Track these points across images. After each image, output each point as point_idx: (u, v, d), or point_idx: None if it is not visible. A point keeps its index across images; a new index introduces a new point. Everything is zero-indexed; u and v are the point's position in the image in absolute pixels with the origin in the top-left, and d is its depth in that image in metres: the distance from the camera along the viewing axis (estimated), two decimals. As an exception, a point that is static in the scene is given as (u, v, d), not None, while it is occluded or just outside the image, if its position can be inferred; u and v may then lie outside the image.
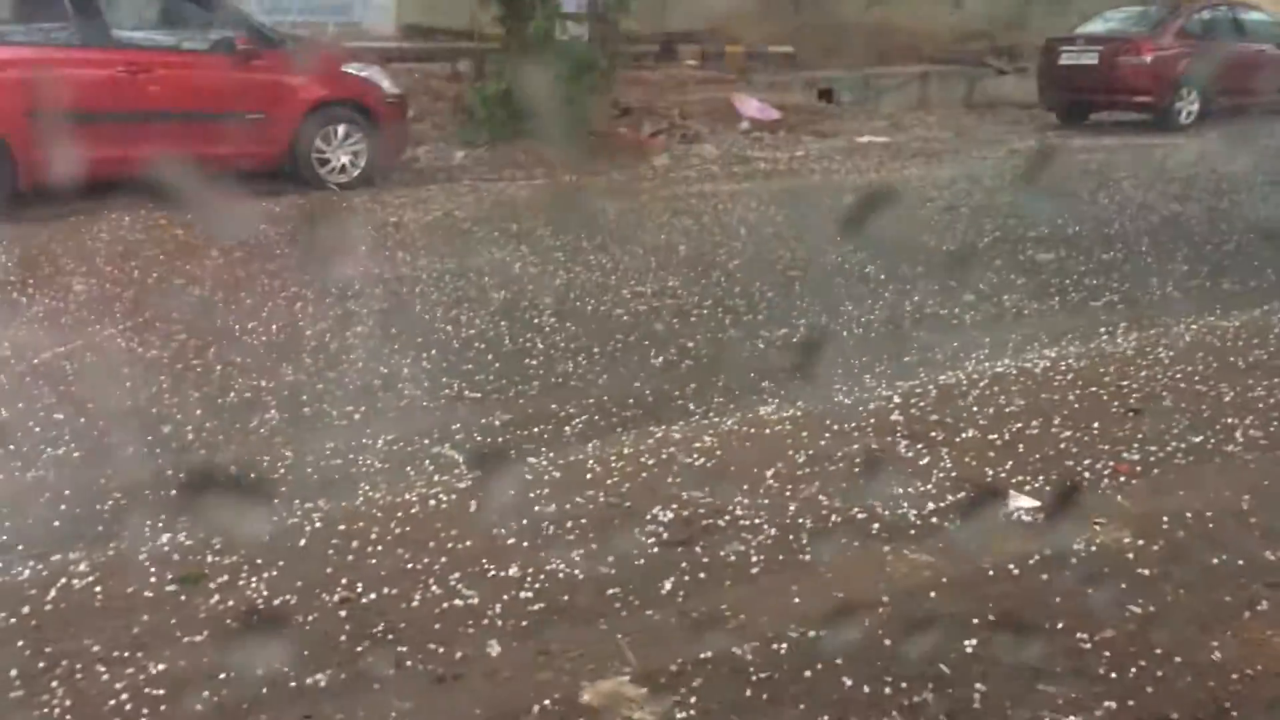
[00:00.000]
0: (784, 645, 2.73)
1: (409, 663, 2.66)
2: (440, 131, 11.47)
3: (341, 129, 9.15)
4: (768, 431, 4.08)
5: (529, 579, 3.01)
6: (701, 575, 3.08)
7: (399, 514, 3.38)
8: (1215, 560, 3.16)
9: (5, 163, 7.77)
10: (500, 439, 4.12)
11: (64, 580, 2.99)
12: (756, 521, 3.36)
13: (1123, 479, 3.72)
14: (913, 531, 3.33)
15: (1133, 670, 2.65)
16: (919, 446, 3.93)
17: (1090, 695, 2.56)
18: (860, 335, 5.42)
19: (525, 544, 3.21)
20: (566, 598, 2.94)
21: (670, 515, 3.40)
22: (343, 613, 2.85)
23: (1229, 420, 4.20)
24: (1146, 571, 3.10)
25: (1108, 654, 2.71)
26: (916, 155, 11.74)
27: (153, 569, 3.05)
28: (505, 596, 2.93)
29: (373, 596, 2.92)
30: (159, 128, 8.27)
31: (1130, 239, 7.60)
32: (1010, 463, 3.81)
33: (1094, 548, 3.24)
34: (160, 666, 2.61)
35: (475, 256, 7.01)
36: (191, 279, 6.34)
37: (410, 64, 12.73)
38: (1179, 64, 14.01)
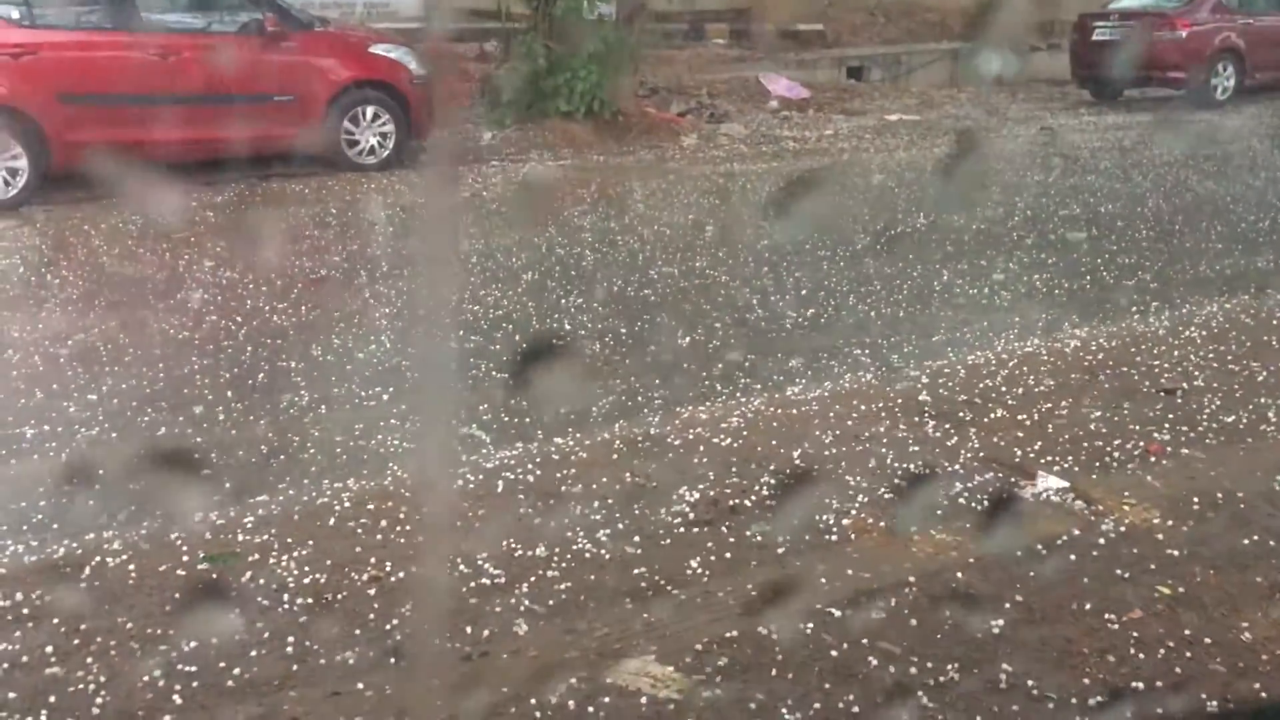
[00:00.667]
0: (810, 625, 2.74)
1: (437, 641, 2.68)
2: (468, 112, 11.48)
3: (370, 110, 9.17)
4: (795, 412, 4.08)
5: (556, 558, 3.03)
6: (727, 555, 3.09)
7: (428, 494, 3.41)
8: (1245, 541, 3.14)
9: (38, 146, 7.85)
10: (527, 419, 4.14)
11: (98, 559, 3.04)
12: (783, 502, 3.36)
13: (1153, 459, 3.69)
14: (940, 512, 3.32)
15: (1161, 651, 2.64)
16: (947, 427, 3.92)
17: (1118, 676, 2.55)
18: (889, 315, 5.40)
19: (552, 524, 3.23)
20: (593, 577, 2.96)
21: (696, 496, 3.40)
22: (371, 591, 2.88)
23: (1261, 400, 4.15)
24: (1176, 552, 3.08)
25: (1136, 635, 2.70)
26: (947, 133, 11.63)
27: (185, 548, 3.09)
28: (532, 576, 2.95)
29: (401, 575, 2.95)
30: (189, 110, 8.32)
31: (1163, 217, 7.51)
32: (1039, 443, 3.79)
33: (1123, 528, 3.22)
34: (192, 644, 2.64)
35: (503, 237, 7.03)
36: (221, 260, 6.38)
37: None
38: (1215, 39, 13.79)
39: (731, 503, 3.37)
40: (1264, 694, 2.51)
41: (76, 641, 2.67)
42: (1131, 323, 5.18)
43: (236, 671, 2.55)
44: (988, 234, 7.01)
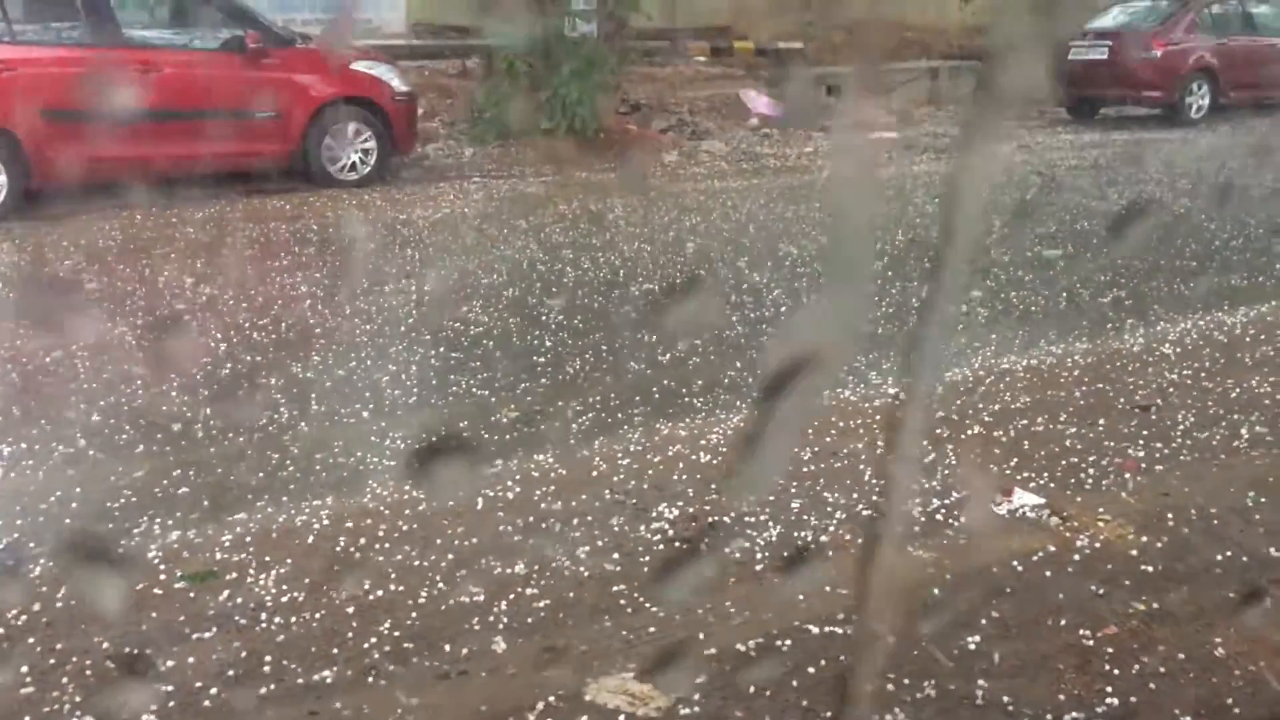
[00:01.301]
0: (788, 642, 2.75)
1: (415, 659, 2.68)
2: (450, 129, 11.51)
3: (352, 127, 9.19)
4: (774, 429, 4.08)
5: (535, 576, 3.04)
6: (707, 572, 3.09)
7: (406, 511, 3.41)
8: (1219, 557, 3.17)
9: (18, 161, 7.84)
10: (507, 436, 4.14)
11: (73, 578, 3.02)
12: (762, 519, 3.37)
13: (1128, 475, 3.72)
14: (918, 528, 3.34)
15: (1135, 667, 2.66)
16: (924, 443, 3.94)
17: (1092, 692, 2.57)
18: (867, 332, 5.43)
19: (531, 541, 3.24)
20: (572, 594, 2.97)
21: (676, 512, 3.42)
22: (350, 609, 2.88)
23: (1235, 417, 4.20)
24: (1150, 568, 3.11)
25: (1110, 650, 2.72)
26: (926, 150, 11.72)
27: (162, 566, 3.08)
28: (511, 594, 2.95)
29: (380, 594, 2.95)
30: (170, 127, 8.31)
31: (1138, 235, 7.58)
32: (1015, 459, 3.82)
33: (1098, 544, 3.24)
34: (169, 664, 2.64)
35: (484, 253, 7.04)
36: (201, 277, 6.37)
37: (420, 61, 12.77)
38: (1189, 58, 13.96)
39: (711, 519, 3.39)
40: (1236, 710, 2.53)
41: (52, 661, 2.65)
42: (1107, 340, 5.23)
43: (214, 691, 2.55)
44: (965, 250, 7.04)
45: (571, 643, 2.75)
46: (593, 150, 10.90)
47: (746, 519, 3.38)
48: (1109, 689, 2.58)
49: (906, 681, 2.59)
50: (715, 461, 3.80)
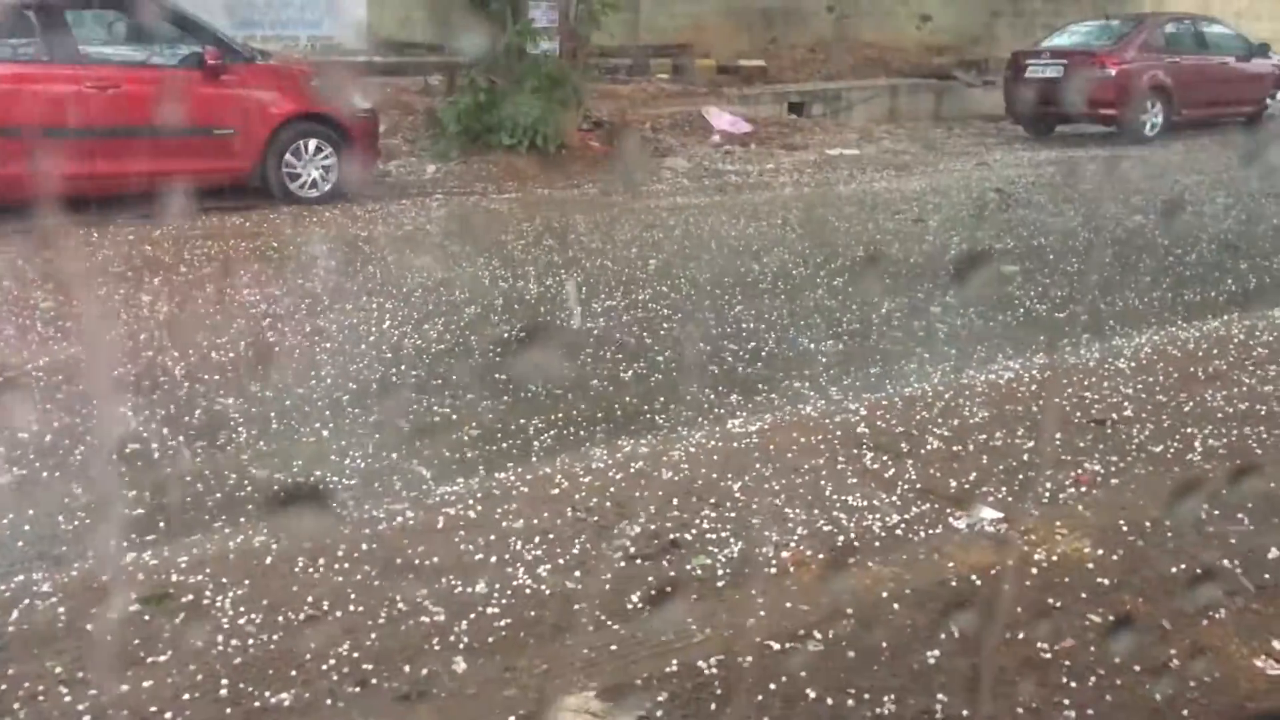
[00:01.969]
0: (749, 658, 2.75)
1: (374, 680, 2.66)
2: (412, 146, 11.48)
3: (312, 143, 9.14)
4: (735, 445, 4.11)
5: (496, 595, 3.02)
6: (668, 589, 3.09)
7: (366, 531, 3.38)
8: (1174, 569, 3.21)
9: (-29, 179, 7.71)
10: (469, 454, 4.13)
11: (27, 601, 2.97)
12: (723, 535, 3.38)
13: (1084, 489, 3.76)
14: (877, 544, 3.36)
15: (1092, 679, 2.68)
16: (885, 458, 3.97)
17: (1051, 705, 2.60)
18: (827, 348, 5.47)
19: (493, 560, 3.22)
20: (533, 613, 2.95)
21: (637, 530, 3.41)
22: (308, 631, 2.85)
23: (1188, 430, 4.26)
24: (1106, 580, 3.15)
25: (1068, 663, 2.75)
26: (886, 168, 11.84)
27: (117, 589, 3.04)
28: (472, 613, 2.94)
29: (339, 614, 2.92)
30: (128, 144, 8.23)
31: (1094, 250, 7.69)
32: (974, 474, 3.85)
33: (1055, 557, 3.28)
34: (124, 688, 2.60)
35: (446, 270, 7.02)
36: (160, 295, 6.31)
37: (382, 78, 12.73)
38: (1143, 77, 14.20)
39: (672, 536, 3.39)
40: None
41: (4, 687, 2.61)
42: (1063, 355, 5.30)
43: (169, 716, 2.51)
44: (924, 267, 7.13)
45: (533, 662, 2.74)
46: (555, 167, 10.91)
47: (708, 536, 3.38)
48: (1067, 701, 2.61)
49: (868, 696, 2.60)
50: (676, 478, 3.81)
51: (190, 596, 3.00)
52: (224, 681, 2.63)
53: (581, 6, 11.81)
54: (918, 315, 5.96)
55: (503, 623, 2.90)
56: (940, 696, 2.61)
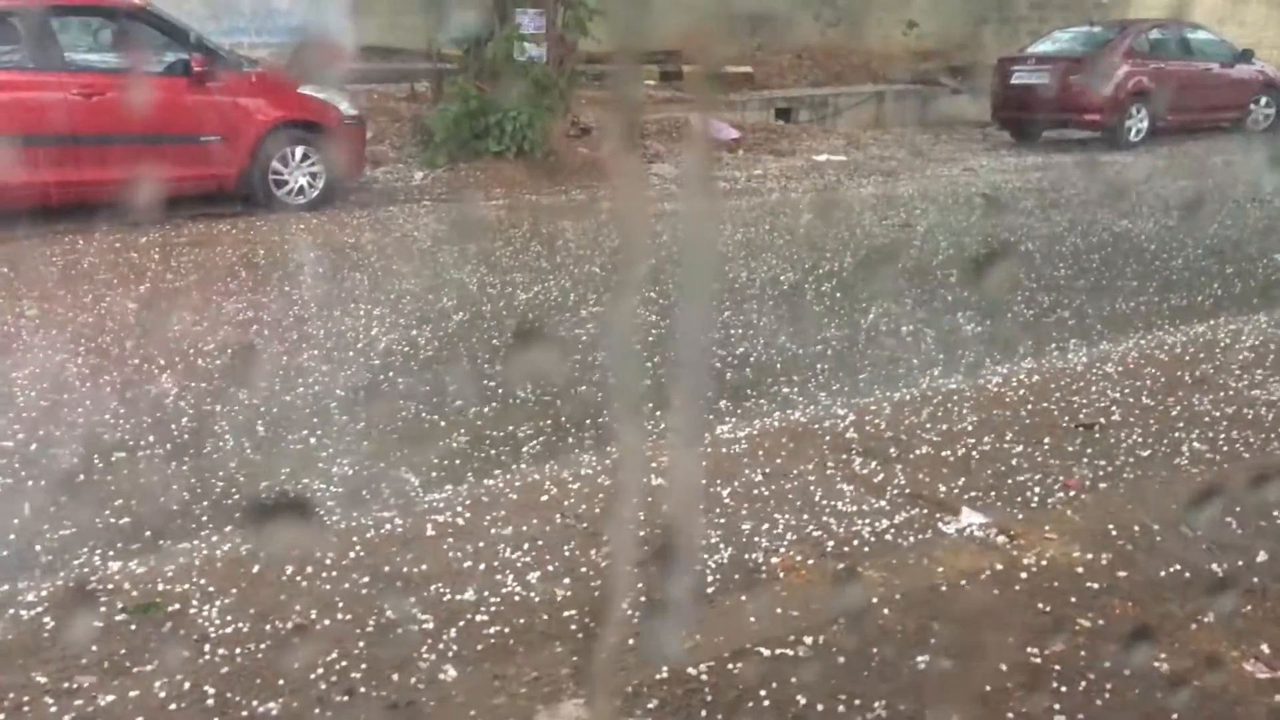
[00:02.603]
0: (739, 665, 2.74)
1: (363, 689, 2.64)
2: (399, 152, 11.47)
3: (299, 150, 9.13)
4: (725, 451, 4.10)
5: (485, 603, 3.01)
6: (658, 596, 3.08)
7: (354, 539, 3.37)
8: (1162, 573, 3.22)
9: (-44, 186, 7.69)
10: (457, 461, 4.12)
11: (11, 611, 2.95)
12: (713, 541, 3.37)
13: (1072, 494, 3.77)
14: (867, 549, 3.36)
15: (1082, 684, 2.68)
16: (873, 464, 3.97)
17: (1040, 709, 2.59)
18: (816, 353, 5.47)
19: (482, 567, 3.21)
20: (522, 621, 2.94)
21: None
22: (296, 640, 2.83)
23: (1176, 434, 4.27)
24: (1095, 585, 3.15)
25: (1058, 667, 2.75)
26: (873, 174, 11.87)
27: (103, 599, 3.02)
28: (461, 621, 2.92)
29: (327, 622, 2.91)
30: (114, 150, 8.21)
31: (1080, 256, 7.72)
32: (963, 479, 3.86)
33: (1044, 562, 3.28)
34: (109, 698, 2.58)
35: (434, 277, 7.01)
36: (146, 303, 6.28)
37: (369, 85, 12.72)
38: (1128, 83, 14.27)
39: (662, 543, 3.37)
40: (1181, 723, 2.57)
41: (-13, 698, 2.59)
42: (1051, 360, 5.31)
43: (155, 725, 2.49)
44: (913, 272, 7.14)
45: (522, 670, 2.73)
46: (543, 173, 10.91)
47: (698, 541, 3.37)
48: (1057, 706, 2.60)
49: (858, 702, 2.60)
50: (666, 484, 3.79)
51: (177, 606, 2.98)
52: (211, 691, 2.62)
53: (569, 13, 11.82)
54: (905, 320, 5.97)
55: (492, 630, 2.89)
56: (930, 702, 2.60)
